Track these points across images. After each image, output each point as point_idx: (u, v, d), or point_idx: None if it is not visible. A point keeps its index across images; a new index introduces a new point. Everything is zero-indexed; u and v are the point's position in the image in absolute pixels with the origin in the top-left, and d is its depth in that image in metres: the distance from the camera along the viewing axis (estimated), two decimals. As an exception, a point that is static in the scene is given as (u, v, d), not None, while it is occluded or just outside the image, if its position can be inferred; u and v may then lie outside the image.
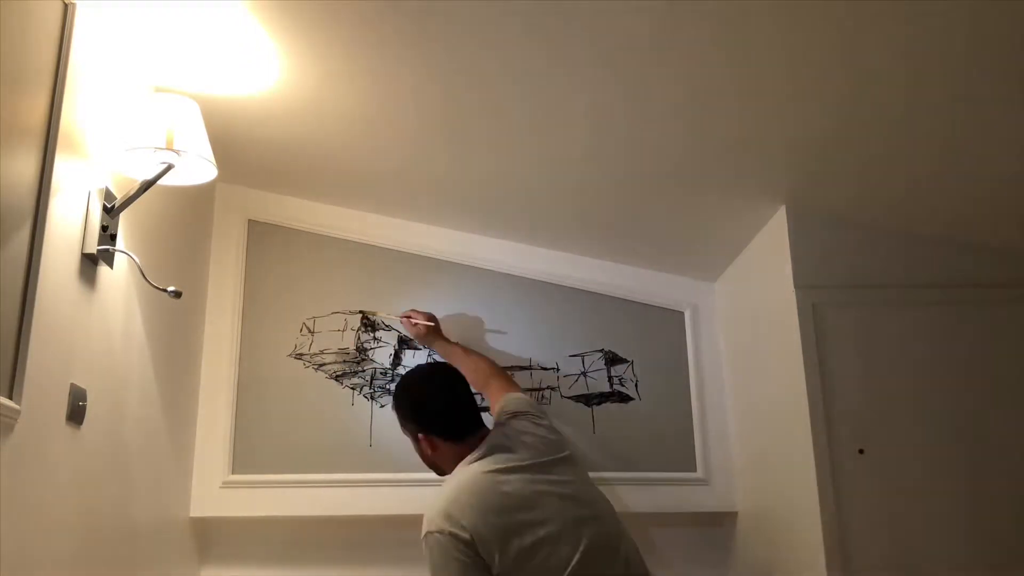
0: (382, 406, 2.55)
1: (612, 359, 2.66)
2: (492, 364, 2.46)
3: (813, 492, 2.05)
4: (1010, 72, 1.65)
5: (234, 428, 2.48)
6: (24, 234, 1.46)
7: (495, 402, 2.28)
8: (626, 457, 2.56)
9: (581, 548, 1.87)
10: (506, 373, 2.49)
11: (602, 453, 2.54)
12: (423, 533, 1.89)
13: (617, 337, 2.67)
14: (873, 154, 2.00)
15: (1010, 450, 2.09)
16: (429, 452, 2.11)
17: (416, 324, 2.50)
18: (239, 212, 2.64)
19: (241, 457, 2.46)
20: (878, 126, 1.90)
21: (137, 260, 1.86)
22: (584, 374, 2.63)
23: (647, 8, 1.60)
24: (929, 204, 2.16)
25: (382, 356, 2.59)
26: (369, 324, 2.61)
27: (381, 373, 2.57)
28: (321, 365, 2.57)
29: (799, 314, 2.15)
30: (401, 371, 2.57)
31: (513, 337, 2.64)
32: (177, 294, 1.90)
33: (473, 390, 2.22)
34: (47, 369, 1.53)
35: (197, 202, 2.46)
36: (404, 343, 2.60)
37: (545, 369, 2.62)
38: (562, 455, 2.09)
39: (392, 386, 2.56)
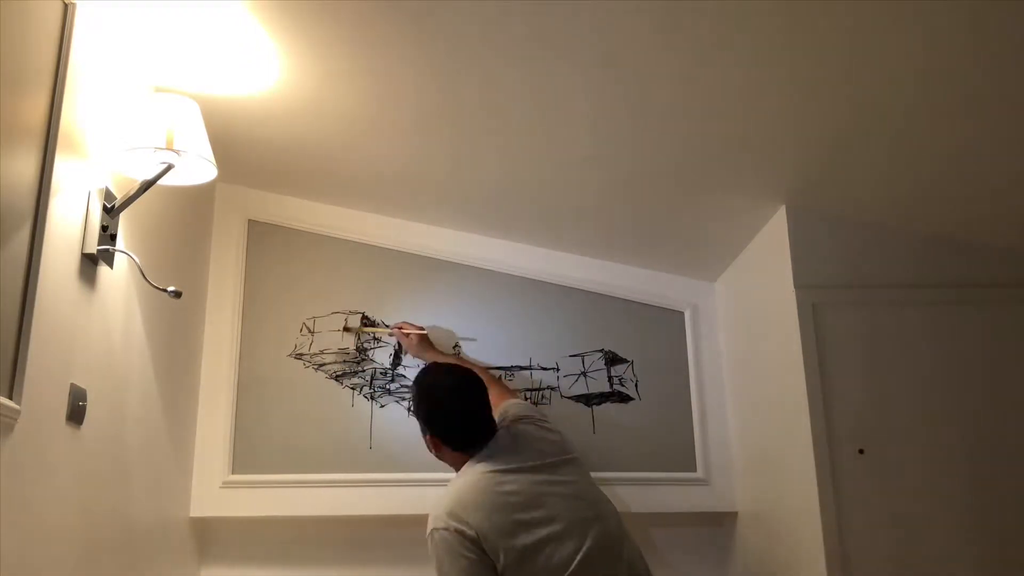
0: (382, 406, 2.55)
1: (612, 359, 2.66)
2: (487, 373, 2.46)
3: (813, 492, 2.05)
4: (1012, 73, 1.65)
5: (234, 428, 2.48)
6: (24, 234, 1.46)
7: (495, 409, 2.28)
8: (626, 457, 2.56)
9: (584, 548, 1.88)
10: (502, 381, 2.50)
11: (602, 453, 2.54)
12: (428, 530, 1.90)
13: (617, 337, 2.67)
14: (874, 154, 2.00)
15: (1010, 450, 2.09)
16: (434, 451, 2.13)
17: (408, 335, 2.49)
18: (239, 212, 2.64)
19: (241, 457, 2.46)
20: (879, 126, 1.90)
21: (137, 260, 1.86)
22: (584, 374, 2.63)
23: (648, 9, 1.60)
24: (929, 204, 2.16)
25: (382, 356, 2.59)
26: (369, 324, 2.61)
27: (381, 373, 2.57)
28: (321, 365, 2.57)
29: (799, 314, 2.15)
30: (401, 371, 2.57)
31: (513, 337, 2.64)
32: (177, 294, 1.90)
33: None
34: (47, 369, 1.53)
35: (197, 202, 2.46)
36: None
37: (545, 369, 2.62)
38: (566, 457, 2.10)
39: (392, 386, 2.56)
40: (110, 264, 1.80)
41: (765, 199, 2.26)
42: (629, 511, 2.44)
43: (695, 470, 2.59)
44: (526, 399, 2.55)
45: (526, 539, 1.86)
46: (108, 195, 1.77)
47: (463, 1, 1.63)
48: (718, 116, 1.95)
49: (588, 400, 2.61)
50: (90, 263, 1.72)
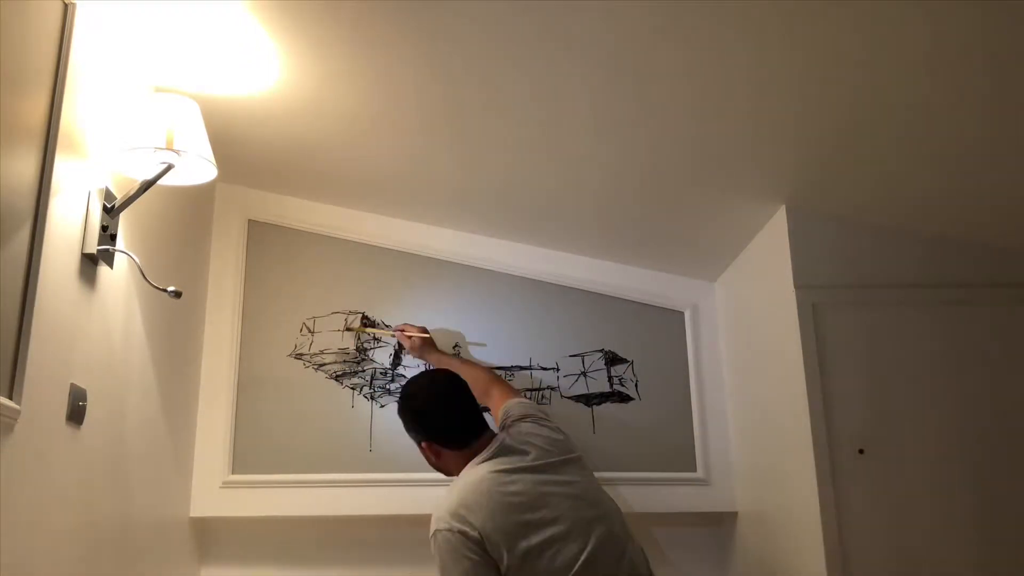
0: (382, 406, 2.55)
1: (612, 359, 2.66)
2: (490, 372, 2.47)
3: (813, 492, 2.05)
4: (1013, 73, 1.65)
5: (234, 428, 2.48)
6: (24, 234, 1.46)
7: (497, 409, 2.28)
8: (626, 457, 2.56)
9: (588, 548, 1.87)
10: (504, 380, 2.50)
11: (602, 453, 2.54)
12: (431, 531, 1.90)
13: (617, 337, 2.68)
14: (874, 154, 2.00)
15: (1011, 449, 2.09)
16: (434, 459, 2.13)
17: (411, 337, 2.49)
18: (239, 212, 2.64)
19: (241, 457, 2.46)
20: (879, 127, 1.90)
21: (137, 260, 1.86)
22: (584, 374, 2.63)
23: (649, 9, 1.59)
24: (930, 204, 2.16)
25: (382, 356, 2.59)
26: (369, 324, 2.61)
27: (381, 373, 2.57)
28: (321, 365, 2.57)
29: (799, 314, 2.15)
30: (401, 371, 2.57)
31: (513, 337, 2.64)
32: (177, 294, 1.90)
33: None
34: (47, 369, 1.53)
35: (197, 202, 2.46)
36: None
37: (545, 369, 2.62)
38: (570, 456, 2.09)
39: (392, 386, 2.56)
40: (110, 264, 1.80)
41: (765, 199, 2.26)
42: (629, 511, 2.44)
43: (695, 470, 2.59)
44: (526, 399, 2.55)
45: (530, 540, 1.86)
46: (108, 195, 1.77)
47: (463, 1, 1.63)
48: (719, 116, 1.95)
49: (588, 400, 2.62)
50: (90, 263, 1.72)
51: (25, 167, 1.47)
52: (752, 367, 2.48)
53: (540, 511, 1.91)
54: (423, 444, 2.12)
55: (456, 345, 2.58)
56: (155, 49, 1.91)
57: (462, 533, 1.84)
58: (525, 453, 2.03)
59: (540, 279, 2.70)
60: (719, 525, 2.62)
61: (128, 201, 1.79)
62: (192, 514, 2.39)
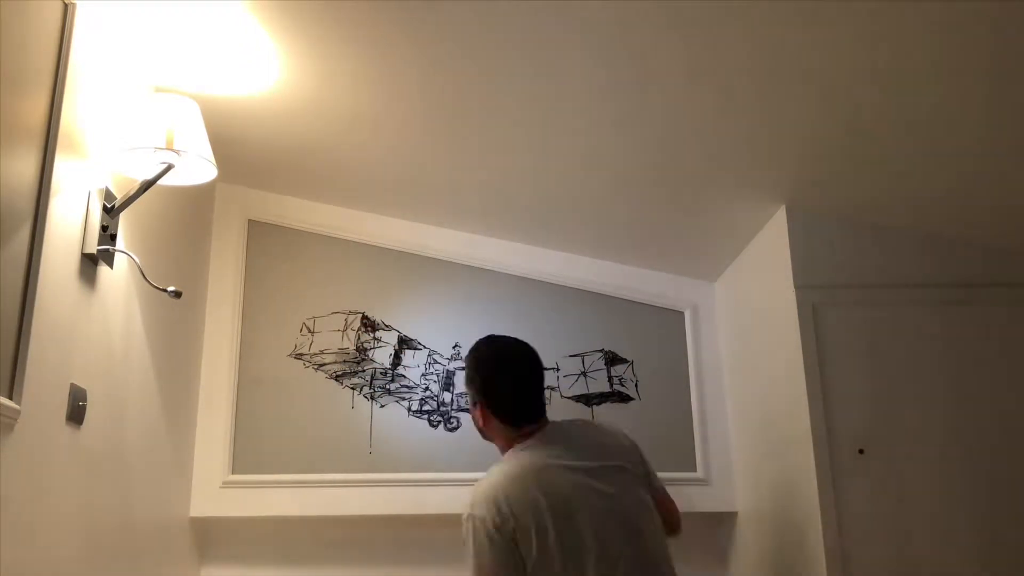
0: (382, 406, 2.55)
1: (612, 359, 2.66)
2: None
3: (813, 492, 2.05)
4: (1014, 73, 1.65)
5: (234, 428, 2.48)
6: (24, 234, 1.46)
7: None
8: (626, 457, 2.56)
9: (614, 556, 1.81)
10: None
11: (602, 453, 2.54)
12: (465, 514, 1.84)
13: (617, 337, 2.68)
14: (874, 154, 2.00)
15: (1010, 450, 2.09)
16: (481, 422, 2.01)
17: None
18: (239, 212, 2.64)
19: (241, 457, 2.46)
20: (879, 127, 1.90)
21: (137, 260, 1.86)
22: (584, 374, 2.63)
23: (650, 9, 1.60)
24: (930, 204, 2.16)
25: (382, 356, 2.59)
26: (369, 324, 2.61)
27: (381, 373, 2.57)
28: (321, 365, 2.57)
29: (799, 314, 2.15)
30: (401, 371, 2.57)
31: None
32: (177, 294, 1.90)
33: None
34: (47, 369, 1.53)
35: (197, 202, 2.46)
36: (404, 343, 2.60)
37: (545, 369, 2.61)
38: (614, 464, 1.96)
39: (392, 386, 2.56)
40: (110, 264, 1.80)
41: (765, 199, 2.26)
42: (629, 511, 2.44)
43: (695, 470, 2.59)
44: None
45: (561, 540, 1.79)
46: (108, 195, 1.77)
47: (463, 1, 1.63)
48: (719, 117, 1.95)
49: (588, 400, 2.62)
50: (90, 263, 1.72)
51: (25, 167, 1.47)
52: (752, 367, 2.48)
53: (577, 512, 1.82)
54: (478, 404, 2.00)
55: None
56: (155, 49, 1.91)
57: (495, 523, 1.78)
58: (570, 451, 1.92)
59: (540, 279, 2.71)
60: (719, 525, 2.62)
61: (128, 201, 1.79)
62: (192, 514, 2.39)
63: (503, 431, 1.97)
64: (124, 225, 1.85)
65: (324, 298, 2.62)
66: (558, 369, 2.63)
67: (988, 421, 2.11)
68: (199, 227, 2.52)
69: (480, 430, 2.05)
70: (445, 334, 2.62)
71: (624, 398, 2.63)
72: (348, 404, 2.55)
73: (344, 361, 2.57)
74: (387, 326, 2.61)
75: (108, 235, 1.75)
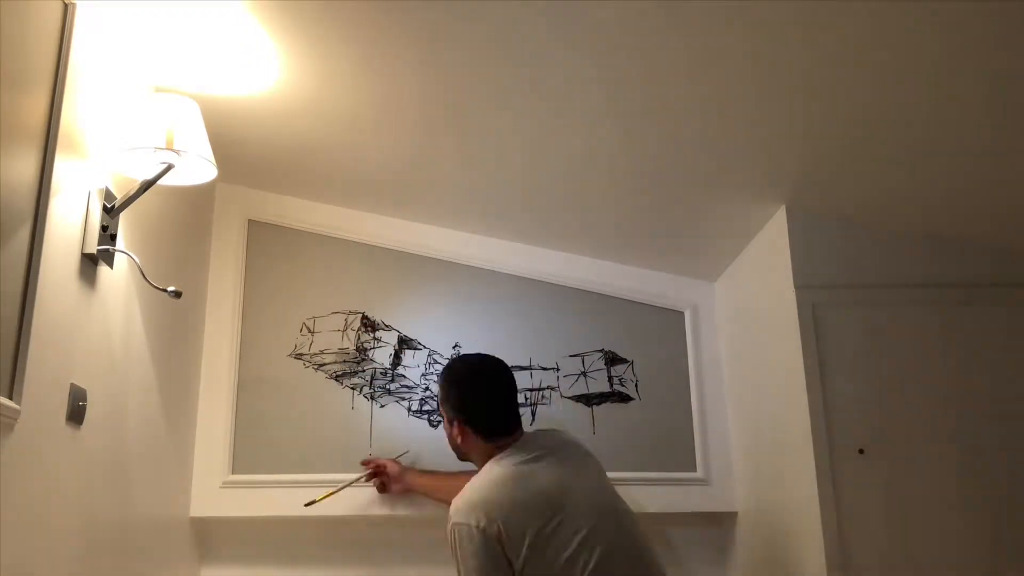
0: (382, 406, 2.55)
1: (612, 359, 2.66)
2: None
3: (813, 492, 2.05)
4: (1014, 74, 1.65)
5: (234, 428, 2.48)
6: (24, 234, 1.46)
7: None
8: (626, 457, 2.56)
9: (605, 547, 1.84)
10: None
11: (602, 453, 2.52)
12: (450, 523, 1.87)
13: (617, 337, 2.67)
14: (874, 154, 2.00)
15: (1010, 450, 2.09)
16: (458, 440, 2.06)
17: (384, 470, 2.41)
18: (239, 212, 2.64)
19: (241, 457, 2.46)
20: (879, 127, 1.90)
21: (137, 260, 1.86)
22: (584, 374, 2.63)
23: (650, 9, 1.60)
24: (930, 204, 2.16)
25: (382, 356, 2.59)
26: (369, 324, 2.61)
27: (381, 373, 2.57)
28: (321, 365, 2.57)
29: (799, 314, 2.15)
30: (401, 371, 2.57)
31: (513, 337, 2.64)
32: (177, 294, 1.90)
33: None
34: (47, 369, 1.53)
35: (197, 202, 2.46)
36: (404, 343, 2.60)
37: (545, 369, 2.62)
38: (590, 459, 2.07)
39: (392, 386, 2.56)
40: (110, 264, 1.80)
41: (765, 199, 2.26)
42: (629, 511, 2.44)
43: (695, 470, 2.59)
44: (526, 399, 2.55)
45: (548, 535, 1.82)
46: (108, 195, 1.77)
47: (463, 1, 1.63)
48: (719, 116, 1.95)
49: (588, 400, 2.62)
50: (90, 263, 1.72)
51: (25, 167, 1.47)
52: (752, 367, 2.48)
53: (562, 508, 1.86)
54: (455, 423, 2.05)
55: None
56: (155, 49, 1.91)
57: (480, 528, 1.81)
58: (549, 449, 1.99)
59: (540, 279, 2.70)
60: (719, 525, 2.62)
61: (128, 201, 1.79)
62: (192, 514, 2.39)
63: (481, 446, 2.03)
64: (124, 225, 1.85)
65: (324, 298, 2.62)
66: (558, 369, 2.63)
67: (988, 421, 2.11)
68: (199, 227, 2.52)
69: (456, 449, 2.12)
70: (445, 334, 2.62)
71: (624, 398, 2.63)
72: (348, 404, 2.55)
73: (344, 361, 2.57)
74: (387, 326, 2.61)
75: (108, 235, 1.75)
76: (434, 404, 2.55)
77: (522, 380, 2.58)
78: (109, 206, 1.76)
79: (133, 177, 1.82)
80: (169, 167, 1.76)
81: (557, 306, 2.69)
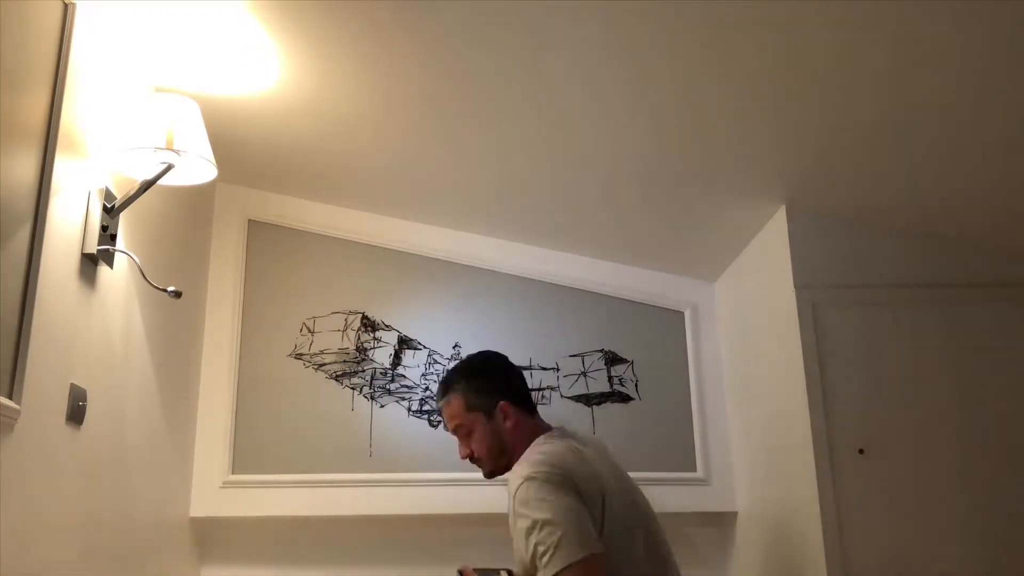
0: (382, 406, 2.55)
1: (612, 359, 2.66)
2: None
3: (813, 492, 2.05)
4: (1013, 74, 1.65)
5: (234, 428, 2.48)
6: (24, 234, 1.46)
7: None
8: (626, 457, 2.53)
9: (650, 538, 1.82)
10: None
11: (602, 453, 2.54)
12: (520, 481, 1.70)
13: (617, 337, 2.68)
14: (873, 154, 2.00)
15: (1010, 450, 2.09)
16: (507, 425, 1.92)
17: None
18: (239, 212, 2.64)
19: (241, 457, 2.46)
20: (879, 127, 1.90)
21: (137, 260, 1.86)
22: (584, 374, 2.63)
23: (649, 9, 1.60)
24: (929, 204, 2.16)
25: (382, 356, 2.59)
26: (369, 324, 2.61)
27: (381, 373, 2.57)
28: (321, 365, 2.57)
29: (799, 314, 2.15)
30: (401, 371, 2.57)
31: (514, 337, 2.64)
32: (177, 294, 1.90)
33: None
34: (47, 369, 1.53)
35: (197, 202, 2.45)
36: (404, 343, 2.60)
37: (545, 369, 2.62)
38: (616, 459, 1.98)
39: (392, 386, 2.56)
40: (110, 264, 1.80)
41: (765, 199, 2.26)
42: (629, 511, 2.44)
43: (695, 470, 2.59)
44: None
45: (615, 511, 1.72)
46: (108, 195, 1.77)
47: (463, 2, 1.63)
48: (719, 116, 1.95)
49: (588, 400, 2.62)
50: (90, 263, 1.72)
51: (25, 167, 1.46)
52: (752, 367, 2.48)
53: (619, 494, 1.79)
54: (500, 406, 1.92)
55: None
56: (155, 49, 1.91)
57: (561, 475, 1.69)
58: (589, 441, 1.93)
59: (540, 279, 2.71)
60: (719, 525, 2.62)
61: (128, 201, 1.79)
62: (192, 514, 2.39)
63: (526, 425, 1.92)
64: (124, 225, 1.85)
65: (324, 298, 2.62)
66: (558, 369, 2.63)
67: (988, 421, 2.11)
68: (199, 227, 2.52)
69: (501, 445, 1.93)
70: (445, 334, 2.62)
71: (624, 398, 2.63)
72: (348, 404, 2.55)
73: (344, 361, 2.57)
74: (387, 326, 2.61)
75: (108, 235, 1.75)
76: (434, 404, 2.55)
77: (522, 380, 2.58)
78: (109, 206, 1.76)
79: (133, 177, 1.82)
80: (169, 167, 1.76)
81: (557, 306, 2.69)
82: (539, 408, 2.49)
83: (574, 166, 2.26)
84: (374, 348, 2.59)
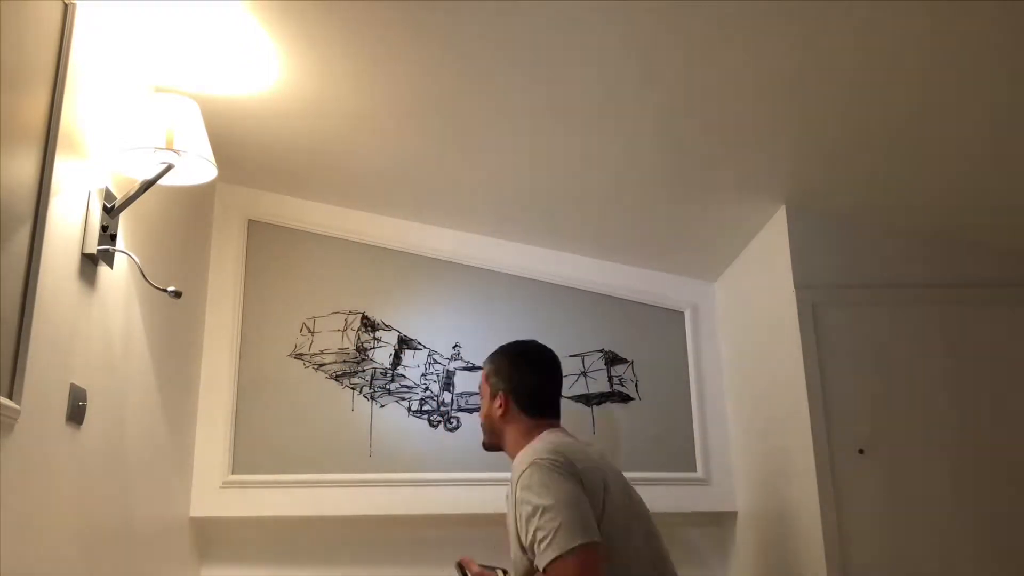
0: (382, 406, 2.55)
1: (612, 359, 2.66)
2: None
3: (813, 492, 2.05)
4: (1013, 74, 1.65)
5: (234, 428, 2.48)
6: (24, 234, 1.46)
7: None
8: (626, 457, 2.56)
9: (648, 538, 1.83)
10: None
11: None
12: (525, 467, 1.73)
13: (617, 337, 2.68)
14: (874, 155, 2.00)
15: (1010, 450, 2.10)
16: (500, 413, 1.99)
17: None
18: (239, 212, 2.64)
19: (241, 457, 2.46)
20: (879, 127, 1.90)
21: (137, 260, 1.86)
22: (584, 374, 2.63)
23: (649, 8, 1.60)
24: (929, 204, 2.16)
25: (382, 356, 2.59)
26: (369, 324, 2.61)
27: (381, 373, 2.57)
28: (321, 365, 2.57)
29: (799, 314, 2.16)
30: (401, 371, 2.57)
31: (514, 337, 2.63)
32: (177, 294, 1.90)
33: None
34: (47, 369, 1.53)
35: (197, 202, 2.45)
36: (404, 343, 2.60)
37: (545, 369, 2.62)
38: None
39: (392, 386, 2.56)
40: (110, 264, 1.80)
41: (765, 199, 2.26)
42: (629, 511, 2.44)
43: (695, 470, 2.59)
44: None
45: (616, 504, 1.74)
46: (108, 195, 1.77)
47: (464, 1, 1.63)
48: (719, 117, 1.95)
49: (588, 400, 2.62)
50: (90, 263, 1.72)
51: (25, 167, 1.46)
52: (752, 367, 2.48)
53: (620, 491, 1.81)
54: (501, 395, 2.00)
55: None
56: (155, 49, 1.91)
57: (564, 463, 1.71)
58: (589, 444, 1.99)
59: (540, 279, 2.71)
60: (719, 525, 2.62)
61: (128, 201, 1.79)
62: (192, 514, 2.39)
63: (522, 421, 1.98)
64: (124, 225, 1.85)
65: (324, 298, 2.62)
66: (558, 369, 2.63)
67: (988, 421, 2.11)
68: (199, 227, 2.52)
69: (490, 425, 2.03)
70: (445, 334, 2.62)
71: (624, 398, 2.63)
72: (348, 404, 2.55)
73: (344, 361, 2.57)
74: (387, 326, 2.61)
75: (108, 235, 1.75)
76: (434, 404, 2.55)
77: (522, 380, 2.58)
78: (109, 206, 1.76)
79: (133, 177, 1.82)
80: (169, 167, 1.76)
81: (557, 306, 2.69)
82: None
83: (574, 166, 2.26)
84: (374, 348, 2.59)
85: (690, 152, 2.12)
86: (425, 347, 2.60)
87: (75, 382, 1.65)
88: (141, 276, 1.90)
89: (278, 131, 2.23)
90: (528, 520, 1.67)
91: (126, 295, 1.91)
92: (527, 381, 2.04)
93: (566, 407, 2.57)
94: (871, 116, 1.86)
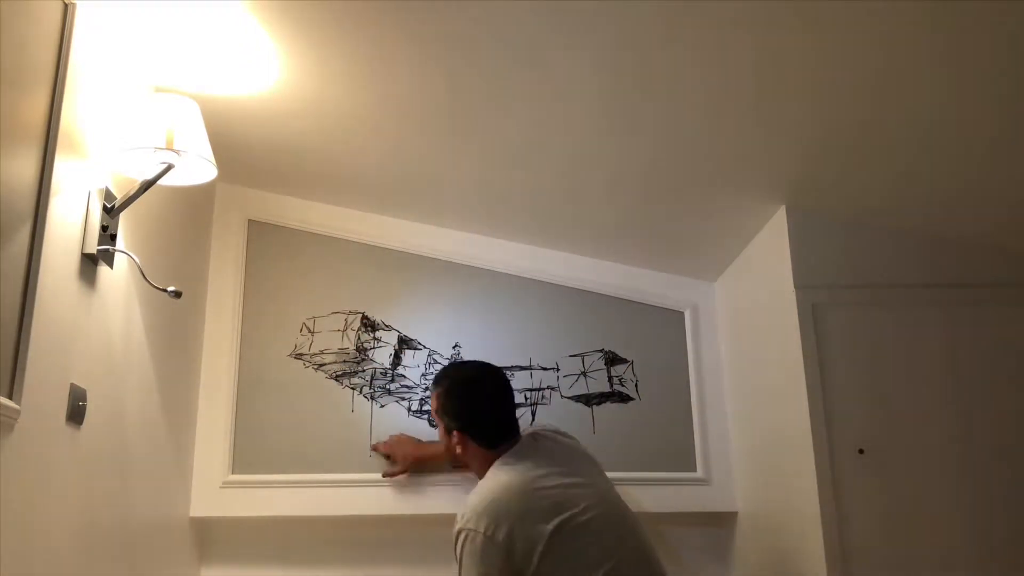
0: (382, 406, 2.55)
1: (612, 359, 2.66)
2: None
3: (813, 492, 2.05)
4: (1013, 74, 1.65)
5: (234, 428, 2.48)
6: (24, 234, 1.46)
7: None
8: (626, 457, 2.56)
9: (619, 549, 1.85)
10: None
11: (602, 453, 2.52)
12: (457, 528, 1.87)
13: (617, 337, 2.68)
14: (874, 155, 2.00)
15: (1010, 450, 2.10)
16: (459, 450, 2.09)
17: (394, 450, 2.45)
18: (239, 212, 2.64)
19: (241, 457, 2.46)
20: (879, 127, 1.90)
21: (137, 260, 1.86)
22: (584, 374, 2.63)
23: (653, 9, 1.60)
24: (929, 204, 2.16)
25: (382, 356, 2.59)
26: (369, 324, 2.61)
27: (381, 373, 2.57)
28: (321, 365, 2.57)
29: (799, 314, 2.16)
30: (401, 371, 2.57)
31: (513, 337, 2.64)
32: (177, 294, 1.90)
33: None
34: (47, 369, 1.53)
35: (197, 202, 2.46)
36: (404, 343, 2.60)
37: (545, 369, 2.62)
38: (590, 461, 2.12)
39: (392, 386, 2.56)
40: (110, 264, 1.80)
41: (765, 199, 2.26)
42: (629, 511, 2.44)
43: (695, 470, 2.59)
44: (526, 399, 2.56)
45: (563, 541, 1.83)
46: (108, 195, 1.77)
47: (463, 1, 1.63)
48: (719, 117, 1.95)
49: (588, 400, 2.62)
50: (90, 263, 1.72)
51: (25, 167, 1.46)
52: (752, 367, 2.48)
53: (571, 508, 1.87)
54: (455, 434, 2.08)
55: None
56: (155, 49, 1.91)
57: (488, 535, 1.81)
58: (550, 458, 2.01)
59: (540, 279, 2.71)
60: (719, 525, 2.62)
61: (128, 201, 1.79)
62: (192, 514, 2.39)
63: (482, 455, 2.05)
64: (124, 225, 1.85)
65: (324, 298, 2.62)
66: (558, 369, 2.63)
67: (988, 421, 2.11)
68: (199, 227, 2.52)
69: (455, 459, 2.15)
70: (445, 334, 2.62)
71: (624, 398, 2.63)
72: (348, 404, 2.55)
73: (344, 361, 2.57)
74: (387, 326, 2.61)
75: (108, 235, 1.75)
76: (434, 404, 2.55)
77: (522, 380, 2.58)
78: (109, 206, 1.76)
79: (133, 177, 1.82)
80: (169, 167, 1.76)
81: (557, 306, 2.69)
82: (539, 408, 2.51)
83: (575, 166, 2.26)
84: (374, 348, 2.59)
85: (690, 152, 2.12)
86: (425, 347, 2.60)
87: (75, 382, 1.65)
88: (141, 276, 1.90)
89: (278, 131, 2.23)
90: None
91: (126, 295, 1.91)
92: (478, 415, 2.09)
93: (567, 407, 2.60)
94: (871, 117, 1.86)
